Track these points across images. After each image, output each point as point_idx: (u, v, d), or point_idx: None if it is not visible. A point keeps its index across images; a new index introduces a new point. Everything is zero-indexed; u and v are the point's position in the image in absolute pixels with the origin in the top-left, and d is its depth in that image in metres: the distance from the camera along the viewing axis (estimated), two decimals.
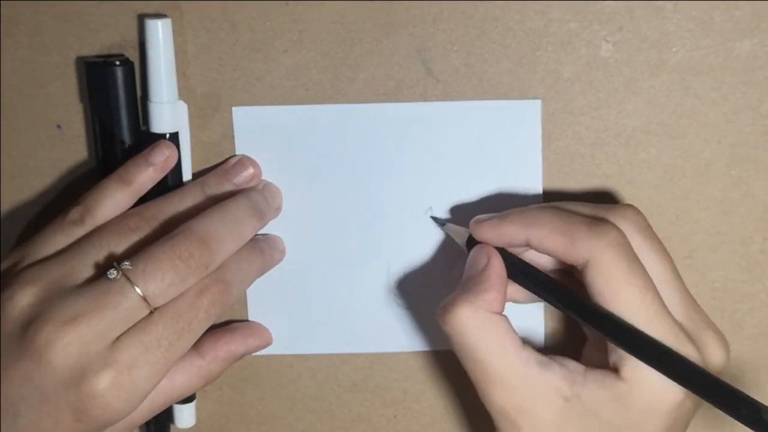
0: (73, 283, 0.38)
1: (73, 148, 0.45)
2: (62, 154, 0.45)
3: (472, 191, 0.44)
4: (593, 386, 0.37)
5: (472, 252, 0.40)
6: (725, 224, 0.44)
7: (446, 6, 0.42)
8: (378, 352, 0.46)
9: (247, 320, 0.46)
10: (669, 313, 0.37)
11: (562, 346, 0.45)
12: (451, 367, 0.46)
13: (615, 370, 0.37)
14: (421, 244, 0.45)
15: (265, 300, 0.46)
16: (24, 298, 0.38)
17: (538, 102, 0.43)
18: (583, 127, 0.43)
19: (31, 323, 0.37)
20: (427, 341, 0.46)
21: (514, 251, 0.40)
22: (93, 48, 0.43)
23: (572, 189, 0.44)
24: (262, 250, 0.43)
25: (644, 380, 0.36)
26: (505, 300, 0.39)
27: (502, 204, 0.43)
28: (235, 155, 0.44)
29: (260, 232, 0.43)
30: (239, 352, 0.44)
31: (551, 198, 0.43)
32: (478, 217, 0.40)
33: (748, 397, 0.35)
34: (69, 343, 0.36)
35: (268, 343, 0.46)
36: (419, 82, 0.43)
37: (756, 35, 0.42)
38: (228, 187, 0.43)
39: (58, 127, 0.45)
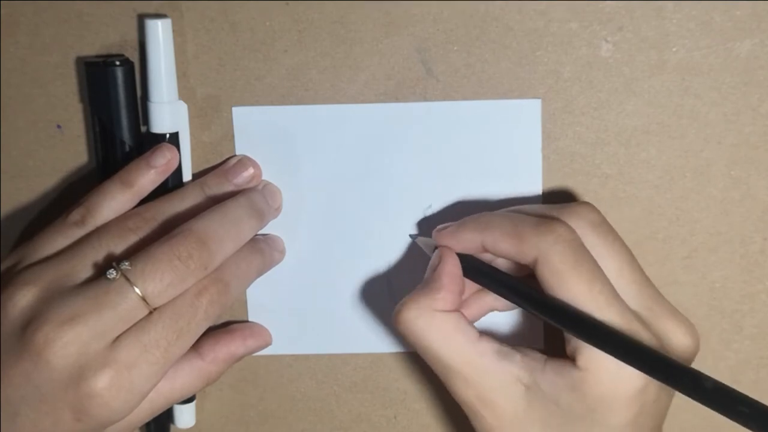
0: (72, 284, 0.38)
1: (73, 148, 0.45)
2: (62, 154, 0.45)
3: (472, 191, 0.44)
4: (551, 374, 0.37)
5: (432, 256, 0.41)
6: (725, 224, 0.44)
7: (446, 6, 0.42)
8: (378, 352, 0.46)
9: (247, 321, 0.46)
10: (621, 302, 0.37)
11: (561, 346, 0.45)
12: None
13: (573, 358, 0.37)
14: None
15: (265, 300, 0.46)
16: (24, 298, 0.38)
17: (538, 102, 0.43)
18: (583, 127, 0.43)
19: (30, 323, 0.37)
20: None
21: (485, 257, 0.40)
22: (93, 48, 0.44)
23: (572, 189, 0.44)
24: (261, 251, 0.43)
25: (599, 367, 0.36)
26: (457, 298, 0.39)
27: (501, 204, 0.43)
28: (235, 155, 0.44)
29: (260, 232, 0.43)
30: (239, 353, 0.44)
31: (551, 198, 0.44)
32: (439, 226, 0.41)
33: (698, 372, 0.34)
34: (68, 342, 0.36)
35: (267, 344, 0.46)
36: (419, 82, 0.43)
37: (756, 35, 0.42)
38: (228, 187, 0.43)
39: (58, 127, 0.45)
